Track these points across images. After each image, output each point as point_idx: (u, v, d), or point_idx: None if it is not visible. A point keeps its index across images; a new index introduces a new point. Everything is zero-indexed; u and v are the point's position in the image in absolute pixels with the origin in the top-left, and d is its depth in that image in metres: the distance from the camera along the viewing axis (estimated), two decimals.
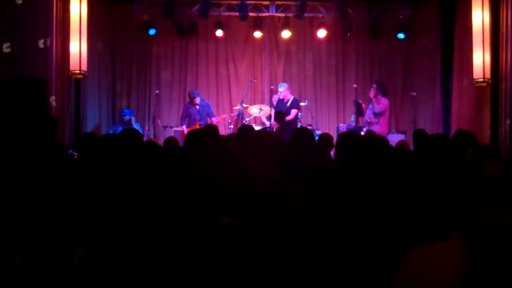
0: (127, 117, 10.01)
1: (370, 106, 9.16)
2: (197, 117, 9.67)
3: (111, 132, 9.31)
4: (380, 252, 2.20)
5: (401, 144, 5.89)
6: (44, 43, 7.50)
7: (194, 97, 9.74)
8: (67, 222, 2.02)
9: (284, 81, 10.97)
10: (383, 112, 9.03)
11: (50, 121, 6.56)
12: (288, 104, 9.33)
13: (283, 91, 9.44)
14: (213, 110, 10.00)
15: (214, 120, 9.54)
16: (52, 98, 7.68)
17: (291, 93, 9.64)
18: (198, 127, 9.26)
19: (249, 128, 5.28)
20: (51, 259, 1.90)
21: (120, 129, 9.34)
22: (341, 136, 3.22)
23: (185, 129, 9.54)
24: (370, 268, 2.17)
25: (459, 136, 4.55)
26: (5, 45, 7.29)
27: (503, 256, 1.47)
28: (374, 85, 9.24)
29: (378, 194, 2.37)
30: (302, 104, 9.80)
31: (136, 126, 9.93)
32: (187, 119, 9.74)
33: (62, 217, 2.02)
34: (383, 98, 9.11)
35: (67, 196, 2.14)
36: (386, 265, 2.01)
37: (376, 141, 4.16)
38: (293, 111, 9.23)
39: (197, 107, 9.71)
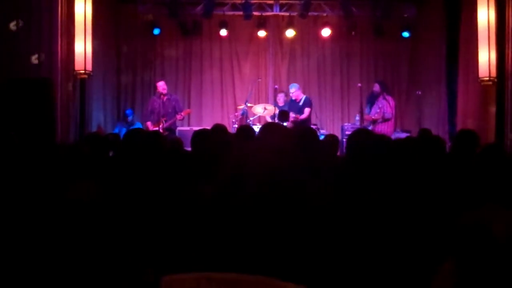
0: (130, 117, 10.02)
1: (377, 105, 9.13)
2: (161, 112, 8.95)
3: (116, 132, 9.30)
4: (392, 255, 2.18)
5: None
6: (38, 58, 7.51)
7: (158, 84, 9.19)
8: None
9: (288, 80, 10.97)
10: (393, 115, 9.03)
11: (52, 122, 6.57)
12: (301, 103, 9.37)
13: (295, 91, 9.47)
14: (182, 105, 9.52)
15: (178, 116, 9.01)
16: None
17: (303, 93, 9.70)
18: (163, 124, 8.83)
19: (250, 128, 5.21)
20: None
21: (123, 130, 9.32)
22: (352, 135, 3.16)
23: (149, 125, 9.04)
24: (377, 271, 2.16)
25: (463, 136, 4.51)
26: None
27: (492, 257, 1.45)
28: (377, 86, 9.21)
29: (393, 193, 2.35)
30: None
31: (138, 125, 9.89)
32: (151, 114, 9.15)
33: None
34: (390, 99, 9.07)
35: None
36: (397, 269, 2.00)
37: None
38: (307, 110, 9.28)
39: (164, 98, 9.05)
